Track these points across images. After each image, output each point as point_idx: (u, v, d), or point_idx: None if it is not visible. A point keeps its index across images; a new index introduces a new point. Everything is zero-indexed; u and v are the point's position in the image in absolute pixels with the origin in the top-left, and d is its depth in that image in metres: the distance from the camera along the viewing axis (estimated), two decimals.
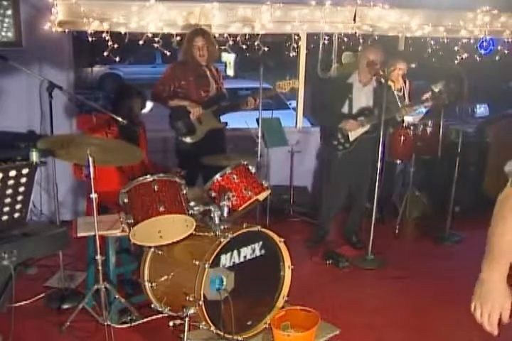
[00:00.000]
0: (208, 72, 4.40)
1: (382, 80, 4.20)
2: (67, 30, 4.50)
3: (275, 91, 4.37)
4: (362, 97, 4.27)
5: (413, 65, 5.37)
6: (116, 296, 3.16)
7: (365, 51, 4.31)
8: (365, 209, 4.65)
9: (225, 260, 2.92)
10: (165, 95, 4.31)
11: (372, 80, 4.26)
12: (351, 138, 4.28)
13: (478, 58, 5.84)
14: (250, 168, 3.39)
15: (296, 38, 5.18)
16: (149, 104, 3.85)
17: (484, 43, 6.17)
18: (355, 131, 4.26)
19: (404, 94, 4.96)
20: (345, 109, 4.27)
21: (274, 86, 4.33)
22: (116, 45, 4.46)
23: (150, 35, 4.57)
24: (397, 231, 4.88)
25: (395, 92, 4.86)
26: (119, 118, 3.43)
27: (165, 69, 4.49)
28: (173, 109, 4.36)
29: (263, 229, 3.04)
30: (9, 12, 4.38)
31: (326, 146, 4.47)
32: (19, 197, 2.45)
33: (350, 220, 4.67)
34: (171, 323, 2.98)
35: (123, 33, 4.52)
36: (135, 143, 3.65)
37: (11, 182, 2.38)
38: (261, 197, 3.39)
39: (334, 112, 4.28)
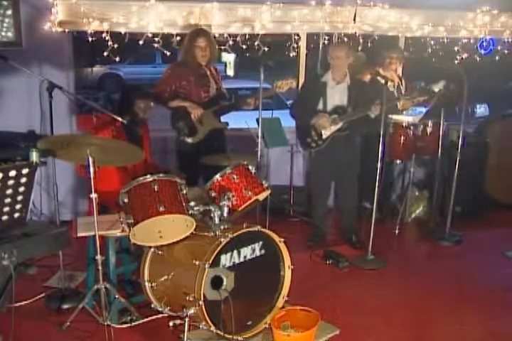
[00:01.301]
0: (208, 72, 4.40)
1: (382, 80, 4.22)
2: (67, 30, 4.50)
3: (274, 91, 4.38)
4: (335, 95, 4.30)
5: (406, 53, 5.35)
6: (116, 296, 3.16)
7: (330, 48, 4.35)
8: (357, 208, 4.66)
9: (225, 260, 2.92)
10: (166, 96, 4.30)
11: (346, 78, 4.29)
12: (324, 136, 4.31)
13: (478, 58, 5.84)
14: (250, 168, 3.39)
15: (296, 38, 5.18)
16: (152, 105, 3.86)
17: (484, 43, 6.17)
18: (328, 129, 4.28)
19: (400, 90, 4.95)
20: (319, 107, 4.32)
21: (273, 86, 4.34)
22: (116, 45, 4.46)
23: (150, 35, 4.57)
24: (397, 231, 4.88)
25: (391, 89, 4.87)
26: (119, 118, 3.44)
27: (165, 70, 4.48)
28: (175, 110, 4.35)
29: (263, 229, 3.04)
30: (9, 12, 4.38)
31: (301, 144, 4.52)
32: (19, 197, 2.45)
33: (344, 220, 4.69)
34: (171, 323, 2.99)
35: (123, 33, 4.52)
36: (138, 142, 3.65)
37: (11, 182, 2.38)
38: (261, 197, 3.39)
39: (309, 110, 4.32)
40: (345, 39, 5.28)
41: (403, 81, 4.99)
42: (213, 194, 3.23)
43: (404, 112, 4.96)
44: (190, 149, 4.36)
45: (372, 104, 4.14)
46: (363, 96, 4.24)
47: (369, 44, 5.35)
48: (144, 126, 3.90)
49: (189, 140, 4.35)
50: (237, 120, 4.81)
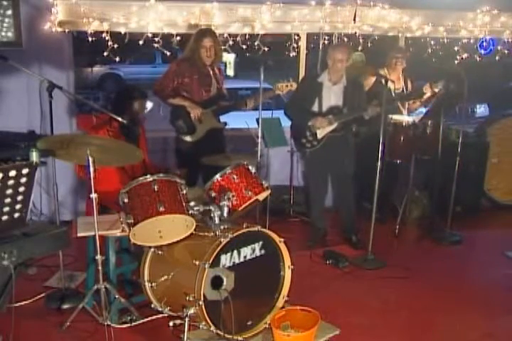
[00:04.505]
0: (211, 72, 4.40)
1: (383, 80, 4.22)
2: (67, 30, 4.50)
3: (274, 93, 4.39)
4: (331, 96, 4.31)
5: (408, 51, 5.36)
6: (116, 296, 3.16)
7: (331, 50, 4.32)
8: (357, 208, 4.66)
9: (225, 260, 2.92)
10: (168, 90, 4.30)
11: (342, 79, 4.30)
12: (319, 136, 4.32)
13: (478, 58, 5.84)
14: (250, 168, 3.39)
15: (296, 38, 5.18)
16: (149, 104, 3.84)
17: (484, 43, 6.18)
18: (323, 129, 4.29)
19: (404, 91, 4.96)
20: (315, 108, 4.33)
21: (274, 87, 4.35)
22: (116, 45, 4.47)
23: (150, 35, 4.58)
24: (397, 231, 4.88)
25: (398, 91, 4.89)
26: (119, 118, 3.44)
27: (170, 65, 4.46)
28: (174, 108, 4.36)
29: (263, 229, 3.04)
30: (9, 12, 4.38)
31: (295, 144, 4.53)
32: (19, 197, 2.45)
33: (343, 220, 4.69)
34: (171, 323, 2.99)
35: (123, 33, 4.52)
36: (135, 142, 3.65)
37: (11, 182, 2.37)
38: (261, 197, 3.39)
39: (304, 111, 4.33)
40: (345, 39, 5.28)
41: (409, 81, 4.99)
42: (213, 194, 3.23)
43: (405, 113, 4.96)
44: (188, 148, 4.37)
45: (368, 106, 4.16)
46: (359, 97, 4.26)
47: (369, 44, 5.36)
48: (140, 126, 3.90)
49: (187, 138, 4.36)
50: (237, 120, 4.81)
